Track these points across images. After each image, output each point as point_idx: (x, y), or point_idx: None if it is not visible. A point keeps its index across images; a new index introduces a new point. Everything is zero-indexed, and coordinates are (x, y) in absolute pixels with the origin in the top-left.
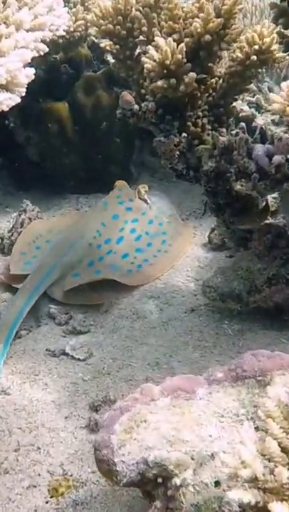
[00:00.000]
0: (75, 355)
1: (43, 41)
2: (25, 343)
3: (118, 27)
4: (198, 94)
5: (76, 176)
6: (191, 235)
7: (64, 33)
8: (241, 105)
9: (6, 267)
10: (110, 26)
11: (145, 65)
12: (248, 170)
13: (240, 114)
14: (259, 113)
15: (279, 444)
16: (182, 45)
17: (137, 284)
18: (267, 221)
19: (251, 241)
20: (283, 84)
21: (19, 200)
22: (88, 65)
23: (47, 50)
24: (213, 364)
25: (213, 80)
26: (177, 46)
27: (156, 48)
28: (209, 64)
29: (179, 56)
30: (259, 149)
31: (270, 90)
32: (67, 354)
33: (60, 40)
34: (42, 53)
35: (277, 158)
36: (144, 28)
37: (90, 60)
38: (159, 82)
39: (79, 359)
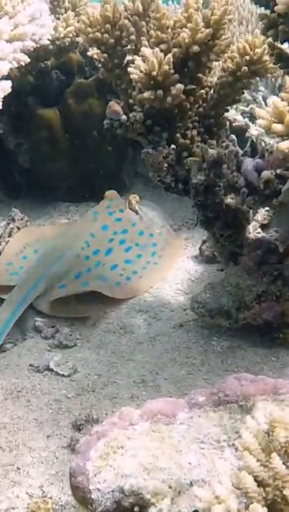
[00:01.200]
0: (59, 371)
1: (25, 51)
2: (9, 357)
3: (106, 35)
4: (188, 105)
5: (66, 184)
6: (182, 246)
7: (48, 42)
8: (235, 115)
9: None
10: (98, 34)
11: (132, 76)
12: (237, 184)
13: (234, 124)
14: (253, 123)
15: (255, 478)
16: (169, 55)
17: (125, 297)
18: (258, 235)
19: (241, 256)
20: (270, 99)
21: (9, 208)
22: (80, 71)
23: (28, 60)
24: (200, 382)
25: (203, 91)
26: (164, 57)
27: (143, 58)
28: (198, 74)
29: (166, 67)
30: (248, 164)
31: (265, 100)
32: (51, 370)
33: (51, 46)
34: (23, 64)
35: (266, 174)
36: (133, 37)
37: (81, 66)
38: (146, 94)
39: (63, 375)
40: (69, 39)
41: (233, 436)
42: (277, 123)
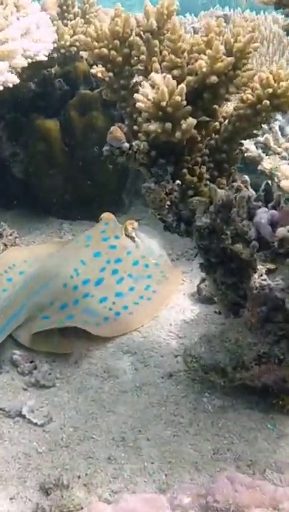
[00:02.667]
0: (32, 418)
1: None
2: None
3: (114, 52)
4: (199, 138)
5: (61, 199)
6: (179, 281)
7: (45, 58)
8: (247, 145)
9: None
10: (105, 50)
11: (137, 104)
12: (246, 235)
13: (246, 155)
14: (267, 155)
15: None
16: (182, 85)
17: (112, 336)
18: (263, 282)
19: (244, 308)
20: None
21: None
22: (86, 81)
23: (17, 81)
24: (186, 448)
25: (216, 123)
26: (177, 85)
27: (152, 84)
28: (214, 106)
29: (178, 98)
30: (262, 216)
31: (282, 130)
32: (23, 416)
33: (55, 55)
34: (10, 85)
35: (281, 231)
36: (143, 57)
37: (88, 77)
38: (152, 126)
39: (36, 424)
40: (75, 48)
41: None
42: None
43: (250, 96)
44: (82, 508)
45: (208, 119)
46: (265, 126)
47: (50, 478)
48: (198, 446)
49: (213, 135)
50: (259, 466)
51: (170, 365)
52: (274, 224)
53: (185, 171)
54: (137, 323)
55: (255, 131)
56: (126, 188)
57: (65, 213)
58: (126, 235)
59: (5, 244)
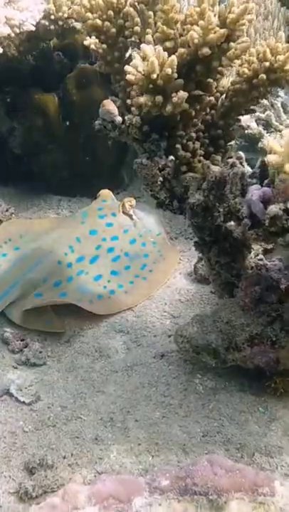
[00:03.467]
0: (19, 397)
1: None
2: None
3: (107, 23)
4: (193, 113)
5: (60, 176)
6: (176, 260)
7: (33, 28)
8: (249, 121)
9: None
10: (98, 21)
11: (127, 77)
12: (239, 213)
13: (246, 132)
14: (267, 132)
15: None
16: (173, 57)
17: (105, 313)
18: (260, 262)
19: (237, 288)
20: (285, 132)
21: None
22: (85, 55)
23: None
24: (174, 430)
25: (211, 98)
26: (169, 57)
27: (143, 56)
28: (208, 80)
29: (169, 70)
30: (253, 193)
31: (284, 107)
32: (11, 395)
33: (52, 26)
34: None
35: (273, 210)
36: (137, 28)
37: (87, 50)
38: (142, 98)
39: (24, 402)
40: (73, 20)
41: None
42: None
43: (246, 70)
44: None
45: (201, 93)
46: (267, 102)
47: (35, 458)
48: (187, 428)
49: (209, 110)
50: (248, 450)
51: (163, 345)
52: (266, 201)
53: (178, 146)
54: (131, 302)
55: (252, 107)
56: (126, 165)
57: (63, 190)
58: (123, 212)
59: (0, 220)
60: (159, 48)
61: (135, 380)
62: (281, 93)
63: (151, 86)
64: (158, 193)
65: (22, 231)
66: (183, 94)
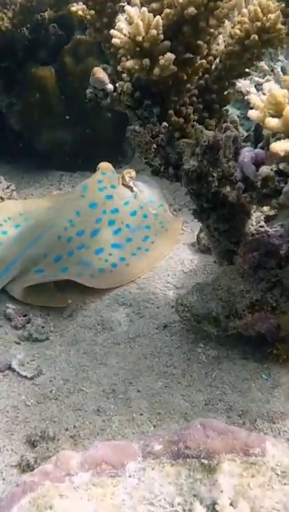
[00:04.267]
0: (21, 371)
1: None
2: None
3: None
4: (185, 77)
5: (61, 151)
6: (178, 231)
7: None
8: (248, 87)
9: None
10: None
11: (113, 40)
12: (232, 177)
13: (246, 97)
14: None
15: None
16: (158, 18)
17: (107, 287)
18: (261, 229)
19: (237, 255)
20: (266, 84)
21: None
22: (81, 26)
23: None
24: (176, 399)
25: (203, 61)
26: (154, 18)
27: (128, 19)
28: (197, 42)
29: (154, 32)
30: (246, 155)
31: (284, 71)
32: (13, 369)
33: None
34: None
35: (264, 170)
36: None
37: (83, 21)
38: (129, 62)
39: (25, 377)
40: None
41: (190, 500)
42: (273, 116)
43: (238, 31)
44: None
45: (191, 55)
46: (266, 67)
47: (37, 431)
48: (189, 397)
49: (203, 75)
50: (250, 416)
51: (165, 316)
52: (259, 163)
53: (171, 112)
54: (133, 275)
55: (247, 70)
56: (128, 138)
57: (65, 165)
58: (123, 184)
59: (1, 198)
60: (144, 9)
61: (138, 352)
62: (281, 57)
63: (137, 49)
64: (152, 160)
65: (22, 209)
66: (170, 55)
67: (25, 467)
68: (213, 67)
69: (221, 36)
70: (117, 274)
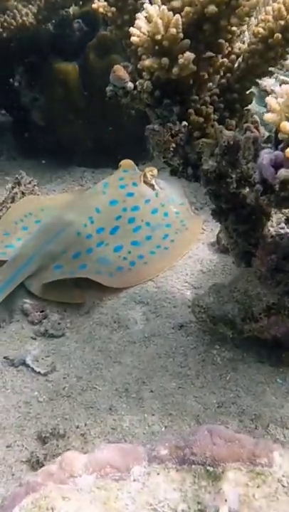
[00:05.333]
0: (35, 367)
1: None
2: None
3: None
4: (206, 76)
5: (83, 146)
6: (199, 230)
7: None
8: (274, 85)
9: None
10: None
11: (132, 39)
12: (251, 179)
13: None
14: None
15: None
16: (178, 16)
17: (125, 286)
18: (281, 230)
19: (255, 257)
20: (284, 87)
21: (22, 167)
22: (106, 22)
23: None
24: (189, 401)
25: (225, 60)
26: (174, 16)
27: (147, 17)
28: (219, 40)
29: (173, 30)
30: (264, 157)
31: None
32: (27, 365)
33: None
34: None
35: (283, 173)
36: None
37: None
38: (148, 61)
39: (39, 373)
40: None
41: (194, 508)
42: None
43: (261, 29)
44: None
45: (212, 54)
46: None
47: (48, 428)
48: (202, 399)
49: (225, 73)
50: (262, 421)
51: (182, 316)
52: (278, 166)
53: (191, 110)
54: (151, 274)
55: (269, 69)
56: None
57: (87, 161)
58: (145, 182)
59: (23, 193)
60: (164, 7)
61: (152, 351)
62: None
63: (156, 48)
64: (171, 159)
65: (43, 204)
66: (189, 54)
67: (35, 463)
68: (236, 66)
69: (245, 34)
70: (135, 273)
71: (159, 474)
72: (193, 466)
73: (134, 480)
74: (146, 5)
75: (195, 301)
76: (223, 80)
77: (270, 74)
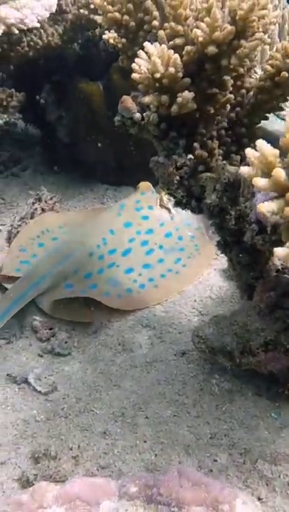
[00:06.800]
0: (36, 386)
1: None
2: None
3: (126, 17)
4: (212, 111)
5: (106, 165)
6: (212, 256)
7: (36, 25)
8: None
9: (1, 263)
10: (117, 15)
11: (132, 75)
12: (248, 218)
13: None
14: None
15: None
16: (176, 56)
17: (132, 309)
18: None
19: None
20: (258, 142)
21: (46, 182)
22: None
23: None
24: (182, 430)
25: (230, 96)
26: (173, 55)
27: (148, 54)
28: (223, 77)
29: (172, 69)
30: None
31: None
32: (29, 383)
33: (92, 16)
34: None
35: (273, 217)
36: (156, 23)
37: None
38: (147, 98)
39: (40, 392)
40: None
41: None
42: (262, 176)
43: (269, 67)
44: (67, 479)
45: (216, 91)
46: None
47: (41, 448)
48: (195, 429)
49: (234, 108)
50: (252, 456)
51: (186, 342)
52: None
53: (196, 145)
54: (160, 297)
55: (277, 105)
56: None
57: (109, 179)
58: (161, 205)
59: (42, 209)
60: (163, 46)
61: (153, 377)
62: None
63: (157, 85)
64: (175, 191)
65: (61, 222)
66: (187, 94)
67: (25, 483)
68: (246, 100)
69: (257, 69)
70: (144, 296)
71: (127, 511)
72: (159, 506)
73: None
74: (146, 43)
75: (195, 331)
76: (232, 114)
77: (280, 109)
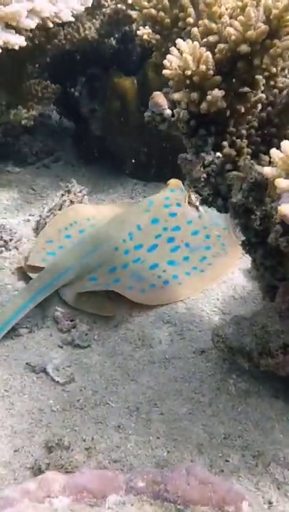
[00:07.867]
0: (54, 376)
1: None
2: (14, 347)
3: (162, 13)
4: (243, 110)
5: (136, 159)
6: (237, 255)
7: (71, 19)
8: None
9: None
10: (153, 11)
11: (164, 71)
12: (272, 219)
13: None
14: None
15: None
16: (208, 53)
17: (156, 304)
18: None
19: None
20: (284, 143)
21: (77, 174)
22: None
23: (22, 43)
24: (196, 428)
25: (262, 95)
26: (205, 53)
27: (180, 51)
28: (255, 77)
29: (203, 67)
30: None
31: None
32: (47, 373)
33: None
34: (16, 47)
35: None
36: (190, 20)
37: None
38: (177, 95)
39: (58, 382)
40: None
41: None
42: (286, 177)
43: None
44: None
45: (248, 90)
46: None
47: (55, 438)
48: (210, 428)
49: (265, 107)
50: (264, 459)
51: (206, 341)
52: None
53: (225, 143)
54: (184, 295)
55: None
56: None
57: (139, 174)
58: (189, 203)
59: (71, 201)
60: (195, 43)
61: (170, 373)
62: None
63: (187, 82)
64: (201, 189)
65: (89, 214)
66: (217, 92)
67: (37, 471)
68: (278, 100)
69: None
70: (167, 292)
71: (133, 505)
72: (165, 502)
73: (109, 508)
74: (179, 40)
75: (215, 330)
76: (263, 114)
77: None
